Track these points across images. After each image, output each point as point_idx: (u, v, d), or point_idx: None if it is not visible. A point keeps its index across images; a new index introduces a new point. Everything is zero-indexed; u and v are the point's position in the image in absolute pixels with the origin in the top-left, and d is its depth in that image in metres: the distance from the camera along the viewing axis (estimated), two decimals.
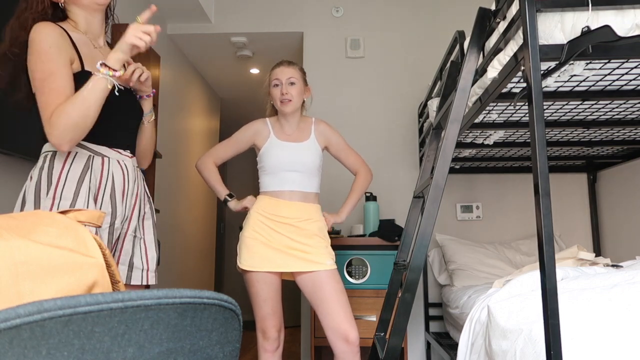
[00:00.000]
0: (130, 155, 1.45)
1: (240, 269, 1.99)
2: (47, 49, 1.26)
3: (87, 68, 1.35)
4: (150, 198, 1.56)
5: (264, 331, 1.94)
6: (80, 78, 1.31)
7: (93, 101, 1.24)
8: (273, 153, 2.04)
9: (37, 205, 1.26)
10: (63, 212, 0.69)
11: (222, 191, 2.13)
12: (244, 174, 6.56)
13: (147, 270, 1.45)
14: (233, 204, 2.12)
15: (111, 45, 1.53)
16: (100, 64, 1.25)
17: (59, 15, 1.41)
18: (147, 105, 1.54)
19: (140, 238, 1.46)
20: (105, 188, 1.35)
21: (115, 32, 2.79)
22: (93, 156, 1.35)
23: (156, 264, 1.50)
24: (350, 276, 2.70)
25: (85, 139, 1.32)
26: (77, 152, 1.33)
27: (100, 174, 1.35)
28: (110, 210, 1.36)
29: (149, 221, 1.50)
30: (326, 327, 1.92)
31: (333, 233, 2.85)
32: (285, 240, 1.96)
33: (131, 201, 1.43)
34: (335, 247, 2.51)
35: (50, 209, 1.26)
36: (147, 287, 1.50)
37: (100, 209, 1.35)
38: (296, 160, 2.03)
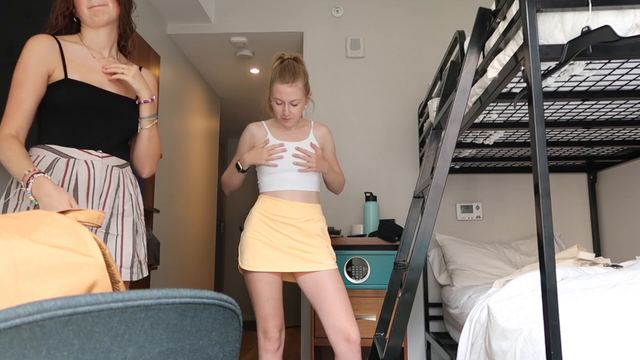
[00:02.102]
0: (101, 155, 1.49)
1: (242, 269, 1.99)
2: (26, 60, 1.42)
3: (70, 76, 1.46)
4: (136, 196, 1.59)
5: (266, 331, 1.94)
6: (60, 86, 1.44)
7: (9, 168, 1.34)
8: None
9: (5, 207, 1.39)
10: (63, 212, 0.69)
11: (233, 164, 2.09)
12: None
13: (121, 266, 1.47)
14: (245, 155, 2.04)
15: (128, 56, 1.69)
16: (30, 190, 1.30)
17: (75, 28, 1.58)
18: (143, 111, 1.58)
19: (116, 235, 1.49)
20: (68, 188, 1.41)
21: None
22: (59, 158, 1.43)
23: (139, 262, 1.54)
24: (350, 276, 2.70)
25: (53, 142, 1.44)
26: (44, 156, 1.43)
27: (64, 175, 1.42)
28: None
29: (129, 218, 1.53)
30: (327, 326, 1.92)
31: (333, 233, 2.85)
32: (287, 240, 1.96)
33: (99, 200, 1.46)
34: (335, 247, 2.51)
35: (15, 209, 1.37)
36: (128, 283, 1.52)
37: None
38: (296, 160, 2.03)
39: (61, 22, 1.54)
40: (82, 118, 1.46)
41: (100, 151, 1.50)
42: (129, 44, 1.67)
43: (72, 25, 1.57)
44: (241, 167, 2.05)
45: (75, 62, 1.49)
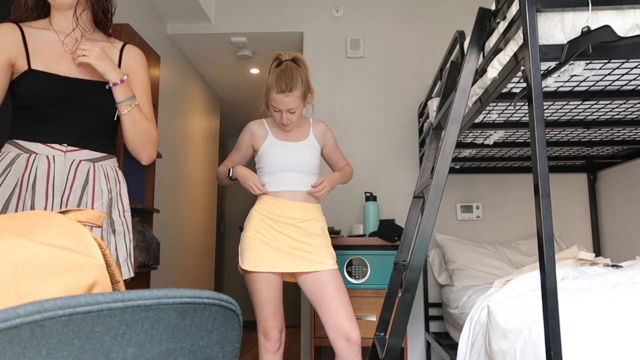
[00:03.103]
0: (65, 149, 1.40)
1: (242, 270, 1.99)
2: None
3: (33, 67, 1.37)
4: (116, 193, 1.49)
5: (266, 332, 1.93)
6: (23, 78, 1.36)
7: None
8: (272, 153, 2.03)
9: None
10: (63, 212, 0.69)
11: (227, 168, 2.11)
12: None
13: None
14: (236, 167, 2.08)
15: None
16: None
17: (45, 11, 1.47)
18: (117, 95, 1.44)
19: None
20: (28, 184, 1.35)
21: (115, 32, 2.80)
22: (20, 154, 1.37)
23: (118, 263, 1.44)
24: (350, 276, 2.70)
25: (20, 137, 1.38)
26: (9, 152, 1.37)
27: (23, 171, 1.35)
28: (30, 205, 1.34)
29: None
30: (328, 326, 1.91)
31: (333, 233, 2.85)
32: (287, 240, 1.95)
33: (61, 197, 1.37)
34: (335, 247, 2.51)
35: None
36: None
37: (18, 204, 1.33)
38: (296, 160, 2.02)
39: (30, 4, 1.43)
40: (46, 111, 1.38)
41: (65, 145, 1.40)
42: (109, 18, 1.52)
43: (43, 8, 1.46)
44: (232, 175, 2.09)
45: (39, 50, 1.39)
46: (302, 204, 2.01)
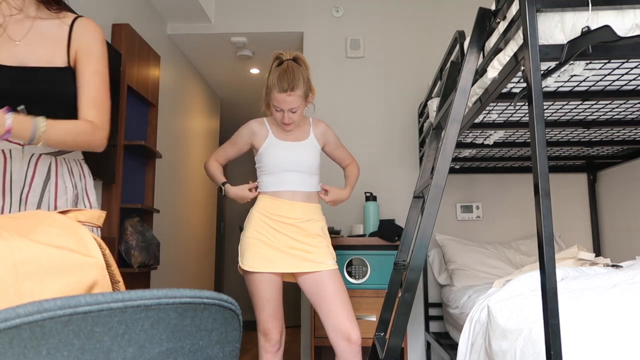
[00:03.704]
0: (22, 143, 1.25)
1: (242, 270, 1.98)
2: None
3: None
4: (82, 188, 1.38)
5: (266, 333, 1.93)
6: None
7: None
8: (273, 152, 2.03)
9: None
10: (63, 212, 0.69)
11: (220, 179, 2.15)
12: (243, 176, 6.56)
13: None
14: (229, 187, 2.11)
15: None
16: None
17: None
18: (17, 139, 1.19)
19: None
20: None
21: (115, 31, 2.80)
22: None
23: None
24: (350, 276, 2.70)
25: None
26: None
27: None
28: None
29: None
30: (328, 326, 1.91)
31: (333, 233, 2.85)
32: (288, 240, 1.95)
33: (20, 195, 1.27)
34: (335, 247, 2.50)
35: None
36: None
37: None
38: (297, 160, 2.02)
39: None
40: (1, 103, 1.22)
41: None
42: None
43: None
44: (224, 194, 2.12)
45: None
46: (302, 204, 2.00)
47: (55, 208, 1.29)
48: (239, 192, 2.07)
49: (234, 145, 2.14)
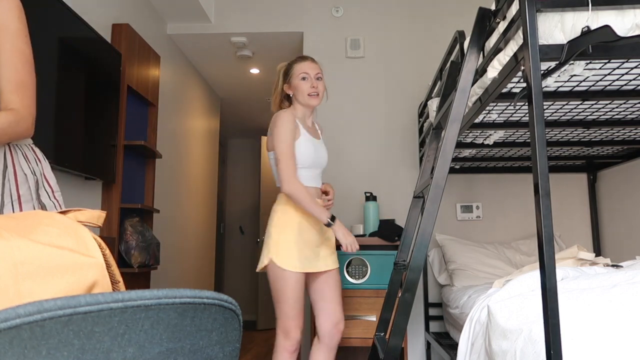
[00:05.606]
0: None
1: (274, 268, 1.92)
2: None
3: None
4: (40, 174, 1.29)
5: (288, 331, 1.94)
6: None
7: None
8: (306, 148, 1.99)
9: None
10: (63, 212, 0.69)
11: (323, 211, 1.95)
12: (243, 174, 6.56)
13: None
14: (338, 225, 1.96)
15: None
16: None
17: None
18: None
19: None
20: None
21: (115, 31, 2.80)
22: None
23: None
24: (350, 276, 2.70)
25: None
26: None
27: None
28: None
29: (28, 204, 1.23)
30: (321, 314, 2.05)
31: None
32: (317, 239, 2.01)
33: None
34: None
35: None
36: None
37: None
38: (323, 157, 2.08)
39: None
40: None
41: None
42: None
43: None
44: (330, 225, 1.94)
45: None
46: (320, 201, 2.06)
47: (18, 197, 1.20)
48: (347, 232, 1.96)
49: (292, 147, 1.96)
